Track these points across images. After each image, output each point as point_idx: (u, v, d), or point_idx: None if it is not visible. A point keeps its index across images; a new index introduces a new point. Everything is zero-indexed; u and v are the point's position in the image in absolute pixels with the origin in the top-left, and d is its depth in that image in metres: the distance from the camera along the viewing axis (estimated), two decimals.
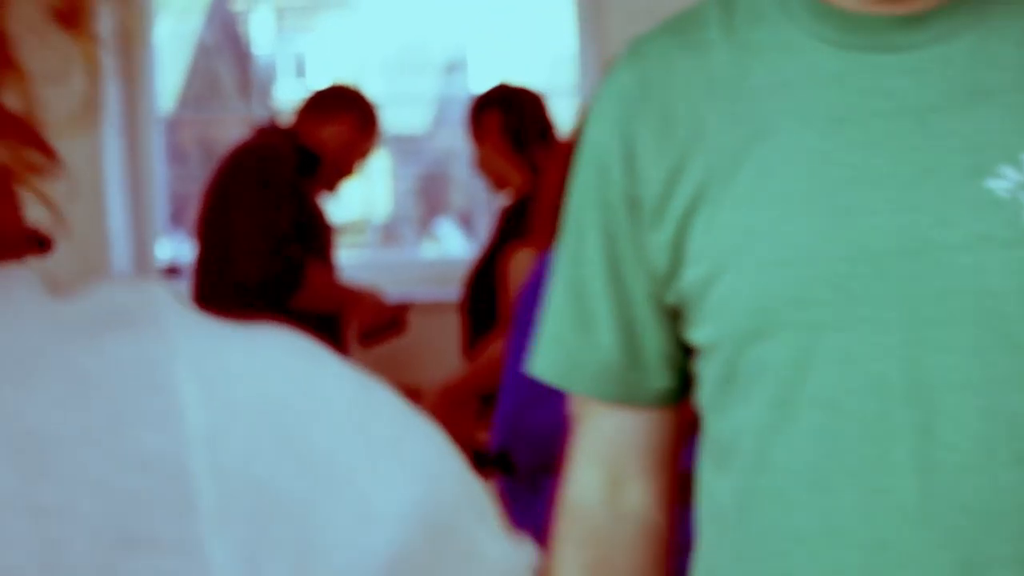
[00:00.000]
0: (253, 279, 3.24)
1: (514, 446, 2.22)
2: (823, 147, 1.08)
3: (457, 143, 4.38)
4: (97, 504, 0.34)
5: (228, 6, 5.07)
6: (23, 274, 0.38)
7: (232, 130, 4.63)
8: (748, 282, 1.08)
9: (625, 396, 1.21)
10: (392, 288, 3.82)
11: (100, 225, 4.08)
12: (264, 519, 0.36)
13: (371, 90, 3.73)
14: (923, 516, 1.05)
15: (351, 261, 4.05)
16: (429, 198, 5.04)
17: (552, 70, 4.53)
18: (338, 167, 3.52)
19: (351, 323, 3.56)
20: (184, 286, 3.54)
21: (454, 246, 4.78)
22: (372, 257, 4.58)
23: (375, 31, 4.61)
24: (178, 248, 4.33)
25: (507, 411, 2.21)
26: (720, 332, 1.11)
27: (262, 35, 4.83)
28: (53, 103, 0.41)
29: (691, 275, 1.12)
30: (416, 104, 4.96)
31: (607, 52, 2.61)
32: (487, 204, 4.36)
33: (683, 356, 1.19)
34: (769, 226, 1.08)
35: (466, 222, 4.83)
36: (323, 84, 3.64)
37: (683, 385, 1.21)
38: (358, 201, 4.73)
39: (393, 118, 4.26)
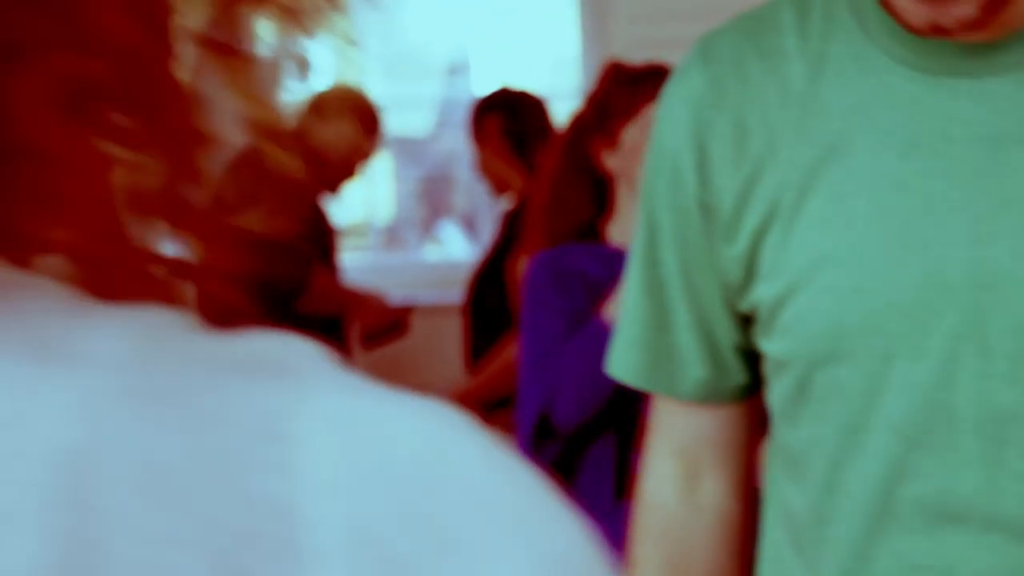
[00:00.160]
0: (258, 282, 3.24)
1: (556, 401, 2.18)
2: (897, 173, 1.07)
3: (459, 146, 4.38)
4: (207, 537, 0.34)
5: None
6: (169, 312, 0.39)
7: None
8: (820, 306, 1.09)
9: (703, 395, 1.22)
10: (395, 291, 3.83)
11: None
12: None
13: (373, 92, 3.73)
14: (990, 546, 1.05)
15: (354, 264, 4.05)
16: (432, 201, 5.04)
17: (554, 73, 4.53)
18: (340, 169, 3.52)
19: (354, 326, 3.56)
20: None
21: (457, 249, 4.79)
22: (375, 260, 4.58)
23: (377, 33, 4.61)
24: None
25: (535, 397, 2.18)
26: (792, 351, 1.12)
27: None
28: None
29: (763, 291, 1.13)
30: (418, 106, 4.96)
31: (609, 55, 2.61)
32: (490, 207, 4.36)
33: (758, 355, 1.20)
34: (842, 251, 1.08)
35: (469, 225, 4.83)
36: (325, 86, 3.64)
37: (759, 381, 1.22)
38: (361, 204, 4.74)
39: (395, 120, 4.26)
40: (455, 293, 3.60)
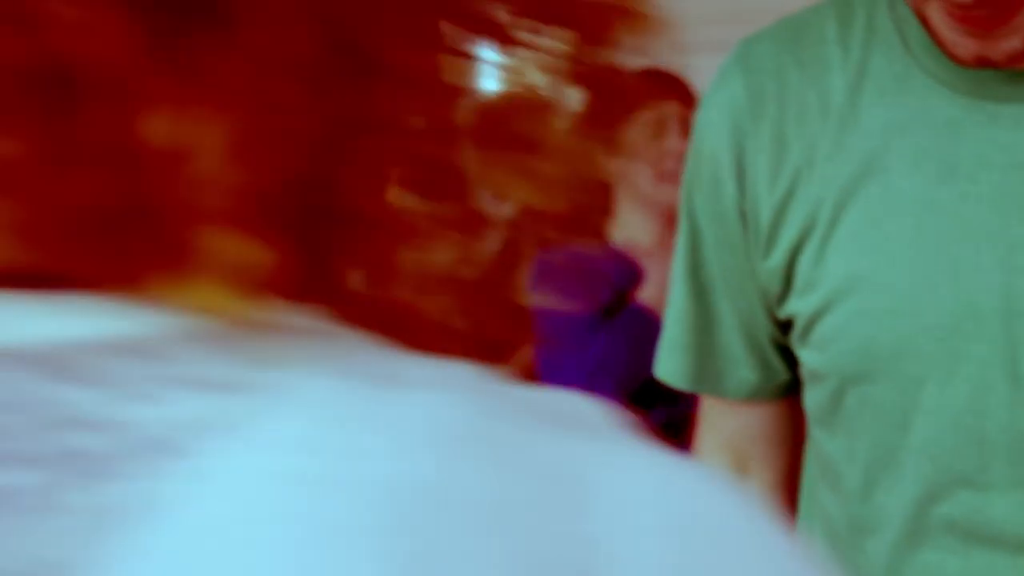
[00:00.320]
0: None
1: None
2: (933, 196, 1.07)
3: None
4: (536, 572, 0.36)
5: None
6: (473, 366, 0.42)
7: None
8: (854, 326, 1.09)
9: (749, 394, 1.23)
10: None
11: None
12: None
13: None
14: (1020, 568, 1.06)
15: None
16: None
17: None
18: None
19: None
20: None
21: None
22: None
23: None
24: None
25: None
26: (826, 365, 1.13)
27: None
28: None
29: (798, 305, 1.13)
30: None
31: None
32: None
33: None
34: (876, 272, 1.08)
35: None
36: None
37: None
38: None
39: None
40: None
